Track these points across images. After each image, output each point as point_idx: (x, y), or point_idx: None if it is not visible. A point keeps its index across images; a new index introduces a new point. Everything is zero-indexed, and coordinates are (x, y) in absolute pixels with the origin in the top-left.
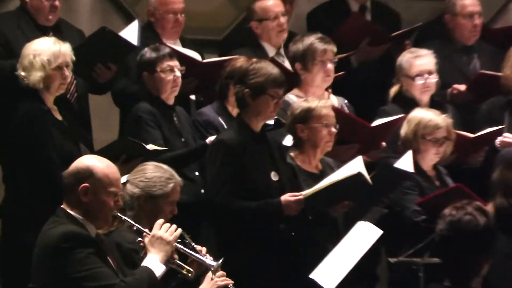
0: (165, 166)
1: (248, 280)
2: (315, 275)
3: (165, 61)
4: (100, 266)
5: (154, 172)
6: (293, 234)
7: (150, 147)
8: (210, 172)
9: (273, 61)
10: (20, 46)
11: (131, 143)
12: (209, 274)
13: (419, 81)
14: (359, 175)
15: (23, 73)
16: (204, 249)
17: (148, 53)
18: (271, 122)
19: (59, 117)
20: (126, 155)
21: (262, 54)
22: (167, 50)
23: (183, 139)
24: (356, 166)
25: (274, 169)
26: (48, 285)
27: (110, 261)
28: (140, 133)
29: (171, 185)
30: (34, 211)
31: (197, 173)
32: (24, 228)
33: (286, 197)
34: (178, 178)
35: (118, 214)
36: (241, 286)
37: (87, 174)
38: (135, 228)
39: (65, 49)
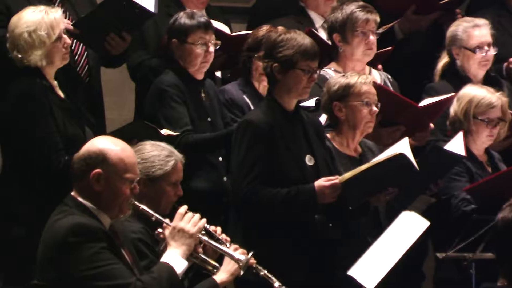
0: (163, 144)
1: (278, 276)
2: (353, 272)
3: (198, 33)
4: (113, 262)
5: (151, 151)
6: (330, 225)
7: (164, 132)
8: (235, 157)
9: (310, 33)
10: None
11: (145, 127)
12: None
13: (480, 54)
14: (401, 156)
15: (19, 55)
16: (218, 229)
17: (182, 18)
18: (312, 104)
19: (62, 95)
20: (138, 139)
21: (308, 24)
22: (203, 19)
23: (209, 119)
24: (401, 148)
25: (310, 153)
26: (55, 283)
27: (126, 256)
28: (164, 109)
29: (171, 162)
30: (28, 203)
31: (220, 159)
32: (15, 220)
33: (321, 182)
34: (178, 154)
35: (135, 202)
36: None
37: (100, 158)
38: (153, 218)
39: (59, 15)
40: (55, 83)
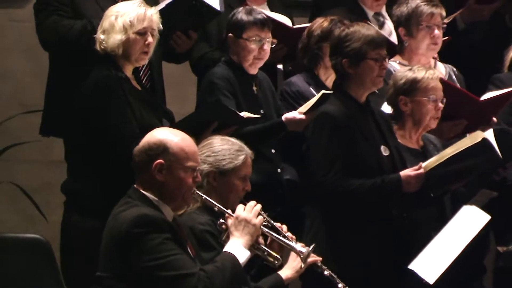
0: (233, 139)
1: (349, 266)
2: (414, 265)
3: (254, 29)
4: (177, 253)
5: (221, 145)
6: (404, 215)
7: (244, 114)
8: (316, 149)
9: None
10: (88, 7)
11: (224, 110)
12: (294, 253)
13: None
14: (484, 141)
15: (102, 36)
16: (284, 227)
17: (240, 14)
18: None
19: (138, 87)
20: (218, 121)
21: (360, 15)
22: (260, 16)
23: (262, 111)
24: (485, 136)
25: (384, 143)
26: (119, 274)
27: (188, 248)
28: (212, 101)
29: (242, 157)
30: (103, 194)
31: (273, 151)
32: (89, 213)
33: (407, 172)
34: (248, 150)
35: (198, 192)
36: (342, 271)
37: (160, 149)
38: (216, 208)
39: (151, 13)
40: (133, 76)
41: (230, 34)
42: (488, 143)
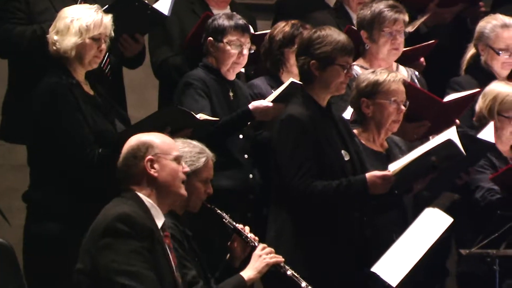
0: (194, 142)
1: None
2: (377, 268)
3: (235, 34)
4: (146, 267)
5: (182, 148)
6: (365, 219)
7: (200, 116)
8: (282, 152)
9: (349, 30)
10: (41, 10)
11: (178, 112)
12: (256, 252)
13: (504, 56)
14: (449, 142)
15: (55, 37)
16: (247, 228)
17: (221, 19)
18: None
19: (91, 92)
20: (172, 126)
21: (345, 19)
22: (241, 22)
23: None
24: (449, 136)
25: (344, 148)
26: (90, 269)
27: (171, 257)
28: (186, 100)
29: (203, 159)
30: (61, 201)
31: (246, 156)
32: (48, 217)
33: (373, 173)
34: (209, 152)
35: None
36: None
37: (146, 146)
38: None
39: (107, 21)
40: (85, 82)
41: (210, 38)
42: (453, 143)
